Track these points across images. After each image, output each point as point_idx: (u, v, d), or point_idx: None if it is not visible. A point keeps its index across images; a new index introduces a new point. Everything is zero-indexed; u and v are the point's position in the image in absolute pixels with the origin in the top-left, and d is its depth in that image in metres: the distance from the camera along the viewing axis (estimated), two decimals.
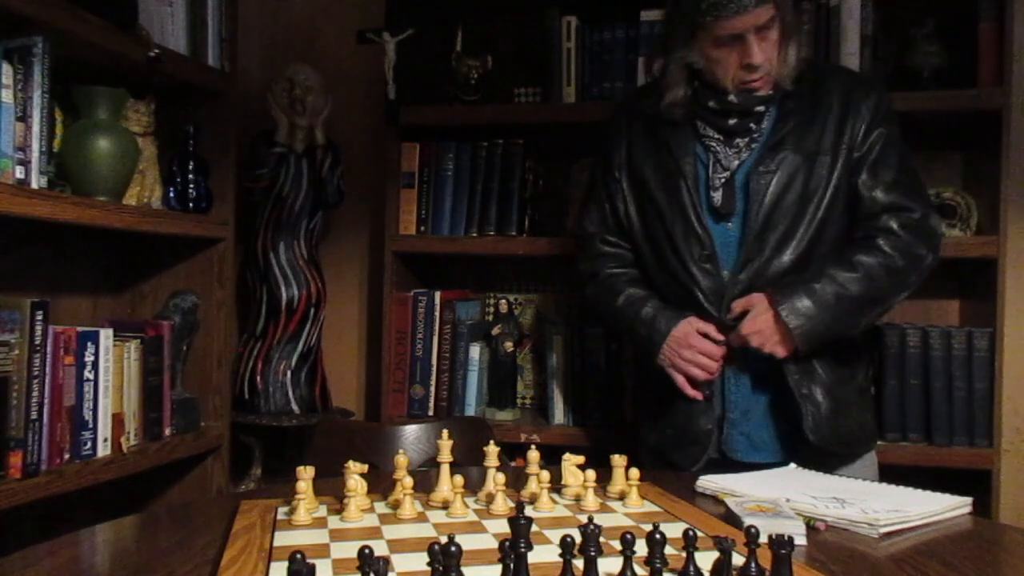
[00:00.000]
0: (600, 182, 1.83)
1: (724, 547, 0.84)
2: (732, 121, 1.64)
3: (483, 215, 2.36)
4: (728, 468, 1.49)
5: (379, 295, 2.49)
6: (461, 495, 1.17)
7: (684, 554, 0.87)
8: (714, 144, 1.67)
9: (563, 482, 1.26)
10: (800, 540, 1.04)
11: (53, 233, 1.93)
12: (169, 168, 2.07)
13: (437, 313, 2.36)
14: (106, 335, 1.79)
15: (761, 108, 1.64)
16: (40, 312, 1.60)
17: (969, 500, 1.26)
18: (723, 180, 1.65)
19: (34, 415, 1.59)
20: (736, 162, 1.65)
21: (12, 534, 1.80)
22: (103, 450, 1.78)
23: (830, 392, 1.62)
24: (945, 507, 1.22)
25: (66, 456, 1.69)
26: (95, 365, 1.76)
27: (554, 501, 1.20)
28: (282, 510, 1.15)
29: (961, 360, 2.11)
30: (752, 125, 1.65)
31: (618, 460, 1.26)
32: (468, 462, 1.52)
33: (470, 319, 2.41)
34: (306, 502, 1.12)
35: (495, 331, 2.35)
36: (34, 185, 1.61)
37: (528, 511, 1.07)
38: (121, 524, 1.21)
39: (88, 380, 1.74)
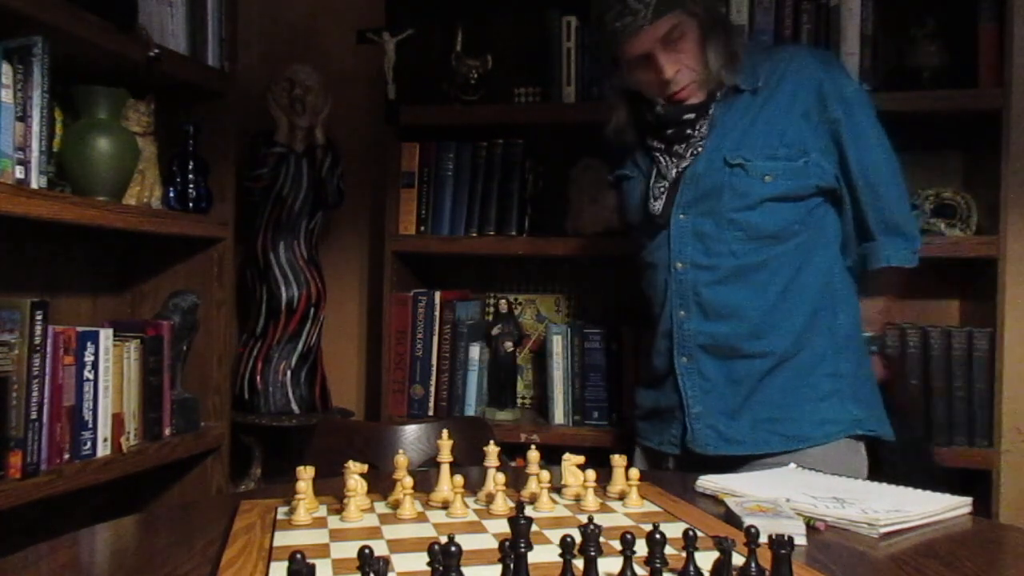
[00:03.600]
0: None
1: (724, 547, 0.84)
2: (669, 131, 1.63)
3: (483, 215, 2.37)
4: (710, 467, 1.48)
5: (379, 295, 2.49)
6: (461, 495, 1.16)
7: (684, 554, 0.87)
8: (657, 154, 1.67)
9: (563, 482, 1.26)
10: (800, 540, 1.04)
11: (53, 233, 1.93)
12: (169, 168, 2.07)
13: (437, 313, 2.36)
14: (106, 335, 1.79)
15: (691, 115, 1.60)
16: (40, 312, 1.60)
17: (969, 500, 1.26)
18: (662, 190, 1.65)
19: (34, 415, 1.59)
20: (675, 171, 1.64)
21: (12, 534, 1.79)
22: (103, 450, 1.78)
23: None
24: (945, 507, 1.22)
25: (66, 456, 1.69)
26: (95, 365, 1.76)
27: (554, 501, 1.20)
28: (282, 510, 1.15)
29: (961, 360, 2.11)
30: (690, 131, 1.62)
31: (618, 460, 1.26)
32: (468, 462, 1.52)
33: (470, 319, 2.41)
34: (306, 502, 1.12)
35: (495, 331, 2.35)
36: (34, 185, 1.61)
37: (528, 511, 1.07)
38: (121, 524, 1.20)
39: (88, 380, 1.74)
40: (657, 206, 1.65)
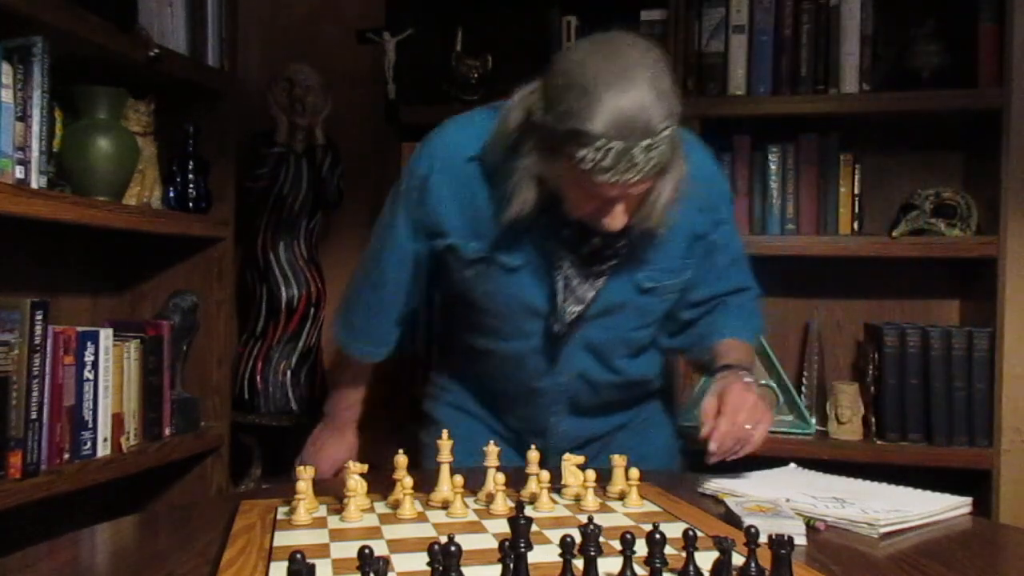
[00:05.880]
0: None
1: (724, 547, 0.84)
2: (585, 248, 1.41)
3: None
4: None
5: None
6: (461, 495, 1.17)
7: (684, 554, 0.87)
8: (563, 262, 1.42)
9: (563, 482, 1.26)
10: (800, 540, 1.04)
11: (53, 233, 1.93)
12: (169, 168, 2.07)
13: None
14: (106, 335, 1.79)
15: (623, 243, 1.41)
16: (40, 312, 1.60)
17: (969, 500, 1.26)
18: (575, 314, 1.45)
19: (34, 415, 1.59)
20: (591, 293, 1.44)
21: (12, 534, 1.79)
22: (103, 450, 1.78)
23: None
24: (945, 507, 1.22)
25: (66, 456, 1.69)
26: (95, 365, 1.76)
27: (554, 501, 1.20)
28: (282, 510, 1.15)
29: (961, 360, 2.11)
30: (608, 252, 1.42)
31: (618, 460, 1.26)
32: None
33: None
34: (306, 502, 1.12)
35: None
36: (34, 185, 1.60)
37: (528, 511, 1.07)
38: (121, 524, 1.21)
39: (88, 380, 1.74)
40: (559, 327, 1.46)
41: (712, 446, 1.32)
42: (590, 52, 1.24)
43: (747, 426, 1.33)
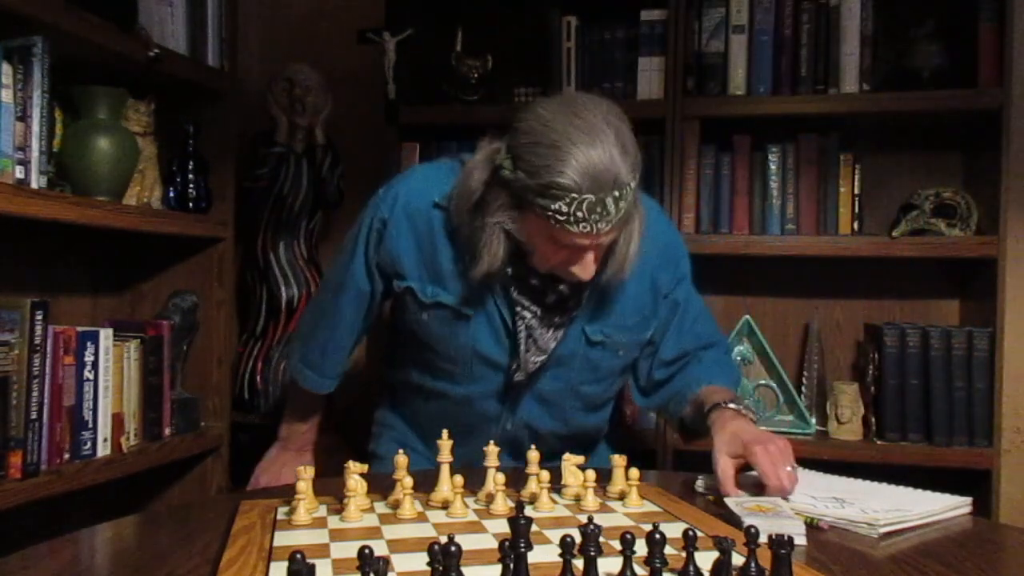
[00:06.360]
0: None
1: (724, 547, 0.84)
2: (550, 299, 1.44)
3: None
4: None
5: None
6: (461, 495, 1.17)
7: (684, 554, 0.87)
8: (526, 312, 1.45)
9: (563, 482, 1.26)
10: (800, 540, 1.04)
11: (53, 233, 1.93)
12: (169, 168, 2.07)
13: None
14: (106, 335, 1.79)
15: (584, 293, 1.45)
16: (40, 312, 1.60)
17: (969, 500, 1.26)
18: (537, 364, 1.48)
19: (34, 415, 1.59)
20: (553, 343, 1.47)
21: (12, 534, 1.79)
22: (103, 450, 1.78)
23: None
24: (945, 507, 1.22)
25: (66, 456, 1.69)
26: (95, 365, 1.76)
27: (554, 501, 1.20)
28: (282, 510, 1.15)
29: (961, 360, 2.11)
30: (571, 302, 1.46)
31: (618, 460, 1.26)
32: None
33: None
34: (306, 502, 1.12)
35: None
36: (34, 185, 1.60)
37: (528, 511, 1.07)
38: (121, 524, 1.20)
39: (88, 380, 1.74)
40: (519, 375, 1.48)
41: (787, 492, 1.25)
42: (555, 112, 1.28)
43: (771, 447, 1.28)
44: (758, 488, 1.25)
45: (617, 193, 1.24)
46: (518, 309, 1.44)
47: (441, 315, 1.48)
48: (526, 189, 1.27)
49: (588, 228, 1.25)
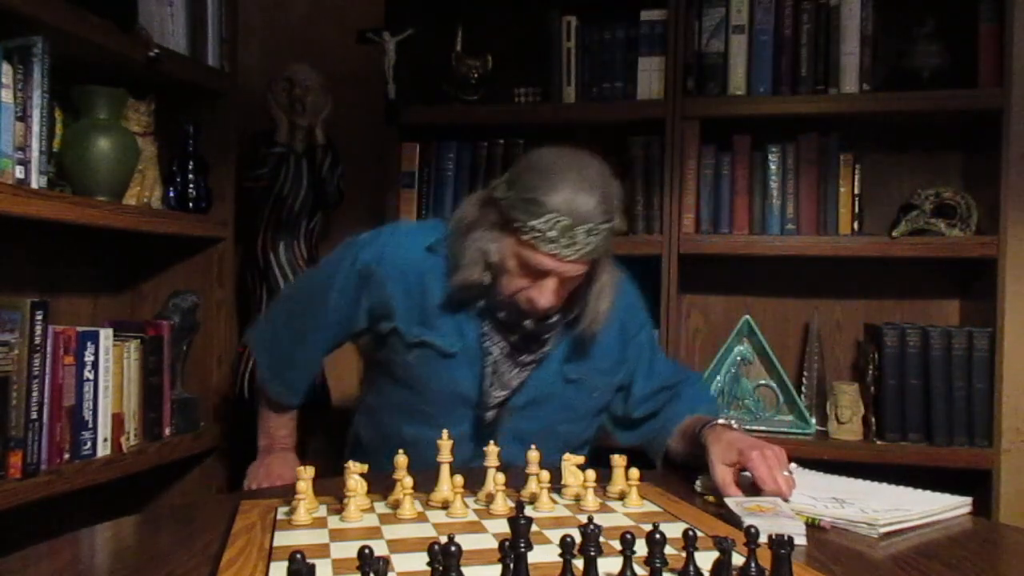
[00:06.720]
0: None
1: (724, 547, 0.84)
2: (513, 338, 1.49)
3: None
4: None
5: None
6: (461, 495, 1.17)
7: (684, 554, 0.87)
8: (496, 348, 1.50)
9: (563, 482, 1.26)
10: (800, 540, 1.04)
11: (53, 233, 1.93)
12: (169, 168, 2.07)
13: None
14: (106, 335, 1.79)
15: (549, 334, 1.51)
16: (40, 312, 1.60)
17: (969, 500, 1.26)
18: (499, 399, 1.51)
19: (34, 415, 1.59)
20: (517, 382, 1.51)
21: (12, 534, 1.79)
22: (103, 450, 1.78)
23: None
24: (945, 507, 1.22)
25: (66, 456, 1.69)
26: (95, 365, 1.76)
27: (554, 501, 1.20)
28: (282, 510, 1.15)
29: (961, 360, 2.11)
30: (538, 340, 1.51)
31: (618, 460, 1.26)
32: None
33: None
34: (306, 502, 1.12)
35: None
36: (34, 185, 1.61)
37: (528, 511, 1.07)
38: (121, 524, 1.20)
39: (88, 380, 1.74)
40: (488, 416, 1.52)
41: (785, 494, 1.25)
42: (554, 152, 1.43)
43: (767, 452, 1.29)
44: (756, 488, 1.25)
45: (590, 226, 1.35)
46: (487, 344, 1.50)
47: (423, 355, 1.52)
48: (512, 205, 1.38)
49: (556, 250, 1.35)
